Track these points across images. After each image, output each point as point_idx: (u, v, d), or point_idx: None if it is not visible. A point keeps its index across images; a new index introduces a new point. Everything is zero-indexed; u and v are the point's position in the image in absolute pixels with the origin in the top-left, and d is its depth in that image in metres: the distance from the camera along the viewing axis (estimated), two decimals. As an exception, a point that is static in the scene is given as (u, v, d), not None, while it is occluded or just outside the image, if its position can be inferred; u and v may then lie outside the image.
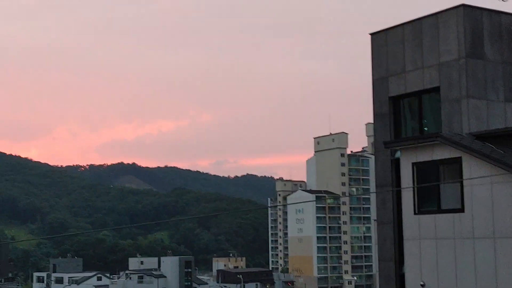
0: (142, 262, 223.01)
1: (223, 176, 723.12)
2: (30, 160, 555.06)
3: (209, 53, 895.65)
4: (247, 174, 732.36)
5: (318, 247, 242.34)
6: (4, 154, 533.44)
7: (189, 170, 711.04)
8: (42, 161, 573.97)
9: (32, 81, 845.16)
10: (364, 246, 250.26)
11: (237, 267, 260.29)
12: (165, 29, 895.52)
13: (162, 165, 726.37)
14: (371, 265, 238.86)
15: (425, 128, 26.39)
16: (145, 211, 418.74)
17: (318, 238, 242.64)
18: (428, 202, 24.18)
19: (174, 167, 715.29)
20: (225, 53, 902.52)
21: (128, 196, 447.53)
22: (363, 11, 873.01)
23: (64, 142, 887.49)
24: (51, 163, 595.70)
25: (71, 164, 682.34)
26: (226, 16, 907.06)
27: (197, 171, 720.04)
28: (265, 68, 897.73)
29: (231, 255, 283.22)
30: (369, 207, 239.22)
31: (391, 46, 26.95)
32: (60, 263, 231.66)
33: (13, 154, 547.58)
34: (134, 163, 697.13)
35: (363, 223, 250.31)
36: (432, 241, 23.59)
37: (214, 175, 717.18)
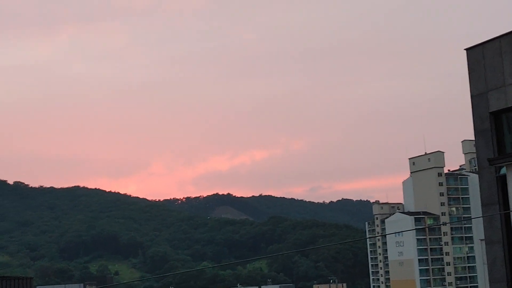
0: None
1: (318, 202, 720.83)
2: (129, 196, 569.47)
3: (296, 80, 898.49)
4: (342, 198, 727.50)
5: (420, 269, 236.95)
6: (104, 191, 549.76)
7: (283, 197, 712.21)
8: (141, 196, 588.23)
9: (126, 119, 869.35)
10: (468, 266, 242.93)
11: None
12: (251, 59, 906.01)
13: (256, 194, 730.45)
14: (477, 286, 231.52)
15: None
16: (242, 240, 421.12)
17: (419, 260, 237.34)
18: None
19: (269, 195, 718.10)
20: (312, 78, 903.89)
21: (225, 227, 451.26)
22: (452, 28, 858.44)
23: (161, 177, 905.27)
24: (149, 198, 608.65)
25: (168, 198, 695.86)
26: (309, 41, 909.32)
27: (292, 198, 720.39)
28: (355, 90, 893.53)
29: (331, 281, 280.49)
30: (470, 226, 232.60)
31: (488, 60, 26.24)
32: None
33: (113, 191, 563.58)
34: (229, 194, 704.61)
35: (466, 243, 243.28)
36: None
37: (309, 201, 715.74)
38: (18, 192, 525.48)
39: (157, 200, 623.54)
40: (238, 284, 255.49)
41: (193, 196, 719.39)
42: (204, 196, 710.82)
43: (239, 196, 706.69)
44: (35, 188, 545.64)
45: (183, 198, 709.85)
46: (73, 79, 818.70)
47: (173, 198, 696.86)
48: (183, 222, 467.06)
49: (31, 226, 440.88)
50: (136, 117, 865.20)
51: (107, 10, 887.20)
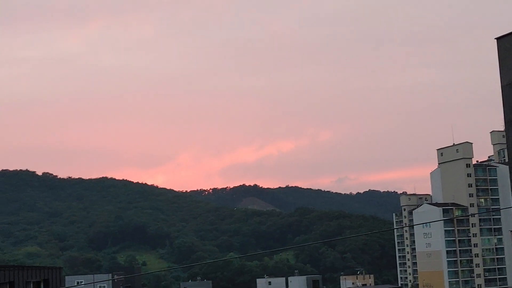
0: (270, 283, 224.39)
1: (345, 194, 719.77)
2: (156, 187, 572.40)
3: (325, 70, 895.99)
4: (370, 190, 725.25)
5: (448, 261, 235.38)
6: (132, 182, 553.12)
7: (310, 189, 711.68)
8: (168, 187, 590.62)
9: (154, 110, 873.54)
10: (497, 258, 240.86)
11: (365, 284, 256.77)
12: (280, 50, 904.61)
13: (283, 185, 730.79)
14: (505, 278, 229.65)
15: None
16: (269, 231, 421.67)
17: (447, 252, 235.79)
18: None
19: (296, 186, 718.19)
20: (341, 68, 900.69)
21: (252, 218, 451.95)
22: (482, 17, 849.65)
23: (188, 168, 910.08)
24: (176, 189, 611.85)
25: (195, 189, 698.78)
26: (337, 30, 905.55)
27: (319, 189, 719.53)
28: (383, 80, 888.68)
29: (358, 272, 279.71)
30: (499, 218, 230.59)
31: (519, 49, 25.91)
32: (191, 286, 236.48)
33: (140, 182, 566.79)
34: (255, 185, 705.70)
35: (494, 235, 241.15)
36: None
37: (336, 192, 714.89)
38: (47, 183, 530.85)
39: (184, 191, 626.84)
40: (265, 275, 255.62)
41: (220, 187, 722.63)
42: (231, 187, 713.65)
43: (266, 187, 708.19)
44: (63, 179, 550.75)
45: (210, 189, 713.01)
46: (102, 70, 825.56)
47: (200, 189, 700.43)
48: (210, 213, 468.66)
49: (60, 217, 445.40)
50: (164, 108, 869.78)
51: (136, 1, 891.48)
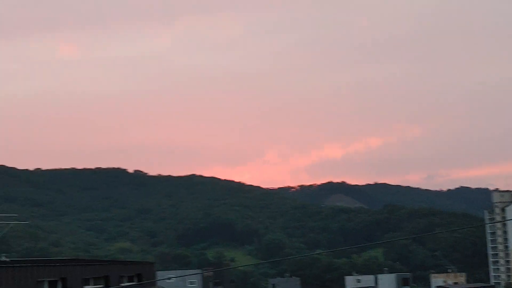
0: (358, 280, 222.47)
1: (435, 190, 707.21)
2: (244, 184, 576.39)
3: (412, 65, 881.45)
4: (461, 186, 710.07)
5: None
6: (220, 179, 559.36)
7: (399, 185, 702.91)
8: (255, 184, 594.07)
9: (242, 107, 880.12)
10: None
11: (457, 283, 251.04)
12: (365, 45, 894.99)
13: (371, 182, 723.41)
14: None
15: None
16: (357, 229, 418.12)
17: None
18: None
19: (384, 183, 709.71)
20: (427, 63, 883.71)
21: (340, 215, 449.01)
22: None
23: (275, 165, 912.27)
24: (263, 186, 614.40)
25: (282, 186, 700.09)
26: (425, 26, 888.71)
27: (408, 186, 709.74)
28: (472, 74, 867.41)
29: (449, 271, 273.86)
30: None
31: None
32: (279, 283, 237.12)
33: (228, 179, 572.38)
34: (343, 182, 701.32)
35: None
36: None
37: (426, 189, 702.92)
38: (138, 180, 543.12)
39: (271, 188, 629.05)
40: (353, 273, 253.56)
41: (307, 184, 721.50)
42: (318, 184, 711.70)
43: (353, 184, 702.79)
44: (153, 176, 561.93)
45: (297, 186, 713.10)
46: (188, 68, 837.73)
47: (287, 186, 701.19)
48: (297, 210, 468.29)
49: (150, 213, 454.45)
50: (251, 106, 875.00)
51: (223, 0, 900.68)
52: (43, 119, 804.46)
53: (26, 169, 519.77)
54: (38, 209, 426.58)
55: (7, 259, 56.80)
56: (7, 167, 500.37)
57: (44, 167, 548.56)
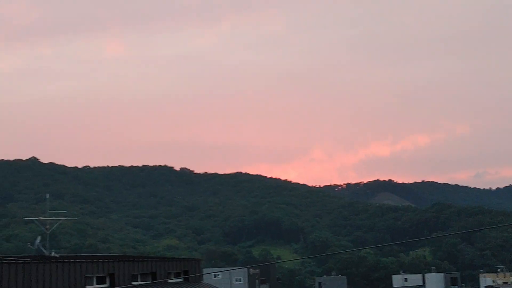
0: (406, 279, 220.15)
1: (483, 189, 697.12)
2: (290, 182, 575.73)
3: (460, 62, 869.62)
4: (510, 185, 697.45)
5: None
6: (265, 177, 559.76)
7: (447, 184, 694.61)
8: (301, 182, 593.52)
9: (287, 105, 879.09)
10: None
11: (507, 283, 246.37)
12: (412, 42, 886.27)
13: (419, 180, 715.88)
14: None
15: None
16: (405, 227, 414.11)
17: None
18: None
19: (432, 181, 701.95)
20: (474, 59, 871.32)
21: (387, 213, 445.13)
22: None
23: (321, 163, 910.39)
24: (309, 184, 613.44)
25: (329, 184, 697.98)
26: (474, 22, 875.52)
27: (456, 184, 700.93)
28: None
29: (499, 270, 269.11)
30: None
31: None
32: (326, 281, 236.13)
33: (273, 177, 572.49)
34: (390, 180, 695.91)
35: None
36: None
37: (474, 187, 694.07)
38: (184, 178, 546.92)
39: (317, 186, 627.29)
40: (400, 272, 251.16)
41: (354, 182, 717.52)
42: (364, 182, 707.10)
43: (400, 182, 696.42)
44: (200, 174, 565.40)
45: (344, 184, 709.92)
46: (234, 67, 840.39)
47: (334, 184, 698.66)
48: (344, 208, 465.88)
49: (197, 211, 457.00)
50: (297, 103, 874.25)
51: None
52: (91, 117, 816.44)
53: (75, 167, 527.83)
54: (86, 206, 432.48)
55: (57, 255, 57.42)
56: (57, 164, 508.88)
57: (93, 164, 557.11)
